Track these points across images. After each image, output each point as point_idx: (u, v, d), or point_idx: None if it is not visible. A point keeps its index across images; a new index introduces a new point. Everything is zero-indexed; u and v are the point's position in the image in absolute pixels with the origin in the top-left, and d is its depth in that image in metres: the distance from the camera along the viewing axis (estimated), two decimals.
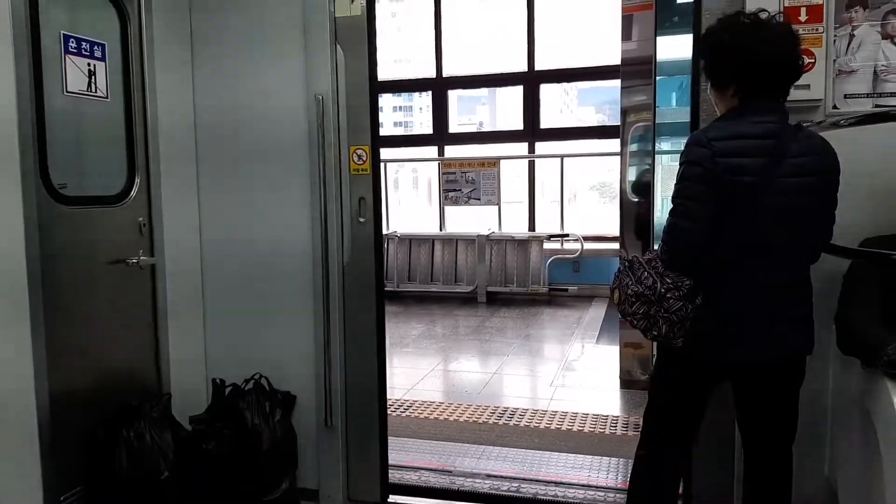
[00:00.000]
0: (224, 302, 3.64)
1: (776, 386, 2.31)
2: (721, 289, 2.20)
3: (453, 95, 4.75)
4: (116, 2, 3.13)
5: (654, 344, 2.54)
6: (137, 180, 3.24)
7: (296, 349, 3.49)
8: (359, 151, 3.35)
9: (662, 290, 2.17)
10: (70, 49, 2.93)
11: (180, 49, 3.49)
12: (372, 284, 3.43)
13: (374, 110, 3.41)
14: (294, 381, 3.51)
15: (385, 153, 5.19)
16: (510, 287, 8.85)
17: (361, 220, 3.36)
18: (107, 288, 3.12)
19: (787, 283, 2.23)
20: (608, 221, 4.34)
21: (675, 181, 2.24)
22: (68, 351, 2.89)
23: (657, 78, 4.15)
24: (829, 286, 2.52)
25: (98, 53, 3.06)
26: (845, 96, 2.77)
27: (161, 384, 3.40)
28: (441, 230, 9.34)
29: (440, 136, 8.56)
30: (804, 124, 2.30)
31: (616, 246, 4.57)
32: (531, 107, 8.54)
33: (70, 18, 3.01)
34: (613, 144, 4.49)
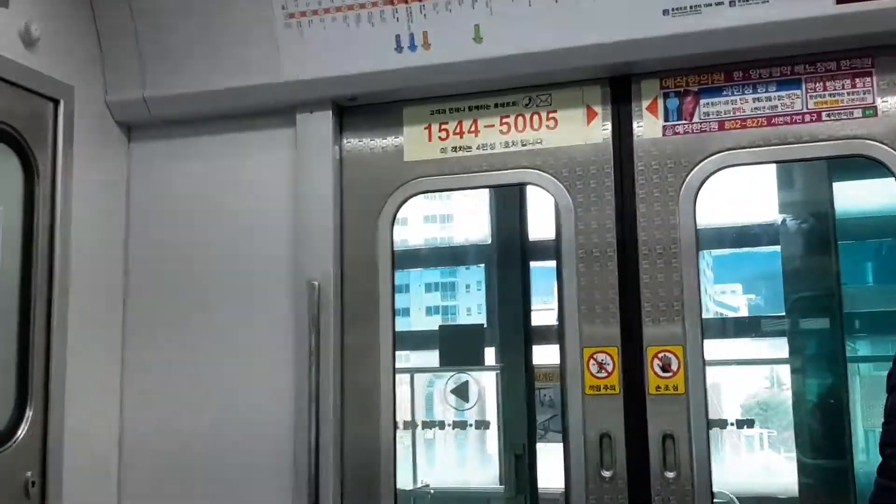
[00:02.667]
0: None
1: None
2: None
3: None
4: (20, 147, 3.03)
5: None
6: (30, 413, 2.99)
7: None
8: (599, 356, 3.09)
9: None
10: None
11: (111, 212, 3.47)
12: None
13: (631, 286, 3.08)
14: None
15: (416, 358, 4.94)
16: None
17: (605, 473, 3.05)
18: None
19: None
20: (778, 470, 4.03)
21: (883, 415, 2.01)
22: None
23: (838, 242, 4.01)
24: None
25: None
26: None
27: None
28: (501, 483, 8.24)
29: None
30: None
31: None
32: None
33: None
34: (778, 346, 4.29)
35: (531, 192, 3.31)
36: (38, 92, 3.12)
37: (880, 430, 2.00)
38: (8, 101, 2.98)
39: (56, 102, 3.19)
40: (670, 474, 2.96)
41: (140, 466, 3.51)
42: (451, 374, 4.58)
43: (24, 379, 3.02)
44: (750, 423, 4.02)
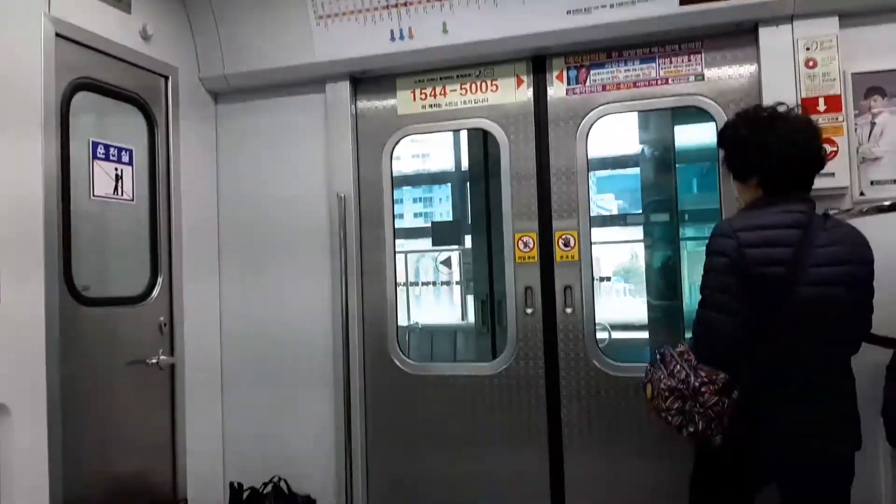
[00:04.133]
0: (243, 397, 3.54)
1: (824, 486, 2.08)
2: (759, 383, 2.04)
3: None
4: (145, 109, 3.21)
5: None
6: (160, 280, 3.22)
7: (317, 449, 3.39)
8: (525, 238, 3.23)
9: (696, 384, 2.05)
10: (98, 155, 2.94)
11: (205, 152, 3.56)
12: (542, 385, 3.16)
13: (546, 194, 3.17)
14: (314, 483, 3.39)
15: (412, 244, 5.18)
16: None
17: (529, 310, 3.22)
18: (126, 388, 3.02)
19: (827, 377, 2.06)
20: (635, 308, 4.22)
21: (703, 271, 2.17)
22: (84, 455, 2.80)
23: (677, 165, 4.14)
24: (873, 378, 2.35)
25: (125, 158, 3.09)
26: (871, 182, 2.72)
27: (177, 488, 3.23)
28: (463, 319, 9.19)
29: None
30: (831, 212, 2.24)
31: (645, 335, 4.44)
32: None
33: (99, 125, 3.01)
34: (636, 233, 4.42)
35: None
36: (154, 71, 3.33)
37: (700, 281, 2.16)
38: (135, 78, 3.24)
39: (166, 78, 3.37)
40: (569, 310, 3.16)
41: (233, 343, 3.57)
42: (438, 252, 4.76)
43: (156, 259, 3.24)
44: (608, 279, 4.16)
